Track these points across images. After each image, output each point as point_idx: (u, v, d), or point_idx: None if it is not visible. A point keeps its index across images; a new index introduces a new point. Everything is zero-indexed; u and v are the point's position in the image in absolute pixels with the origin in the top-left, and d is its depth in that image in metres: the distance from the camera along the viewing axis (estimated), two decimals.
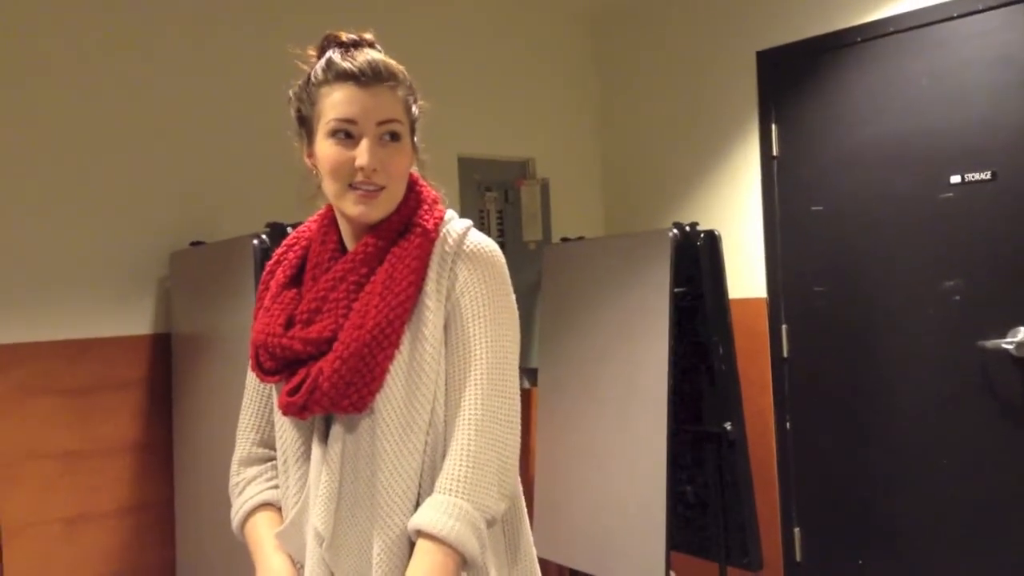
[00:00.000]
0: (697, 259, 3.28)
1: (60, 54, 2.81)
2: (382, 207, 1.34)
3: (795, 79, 3.56)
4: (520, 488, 1.41)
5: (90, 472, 2.82)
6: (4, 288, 2.70)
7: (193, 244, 2.98)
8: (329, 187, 1.35)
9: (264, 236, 2.63)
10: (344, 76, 1.31)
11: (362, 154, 1.30)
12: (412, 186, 1.42)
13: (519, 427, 1.34)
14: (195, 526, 2.85)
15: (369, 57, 1.32)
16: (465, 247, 1.36)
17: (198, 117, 3.08)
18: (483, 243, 1.38)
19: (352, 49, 1.34)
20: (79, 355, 2.81)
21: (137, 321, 2.94)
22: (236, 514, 1.47)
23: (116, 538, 2.86)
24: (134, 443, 2.91)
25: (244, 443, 1.50)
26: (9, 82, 2.72)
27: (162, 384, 2.97)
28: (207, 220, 3.06)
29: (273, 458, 1.48)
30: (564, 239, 3.89)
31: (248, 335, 2.59)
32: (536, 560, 1.47)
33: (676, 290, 3.18)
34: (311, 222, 1.48)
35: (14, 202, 2.72)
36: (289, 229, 2.65)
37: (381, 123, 1.32)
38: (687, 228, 3.26)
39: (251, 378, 1.49)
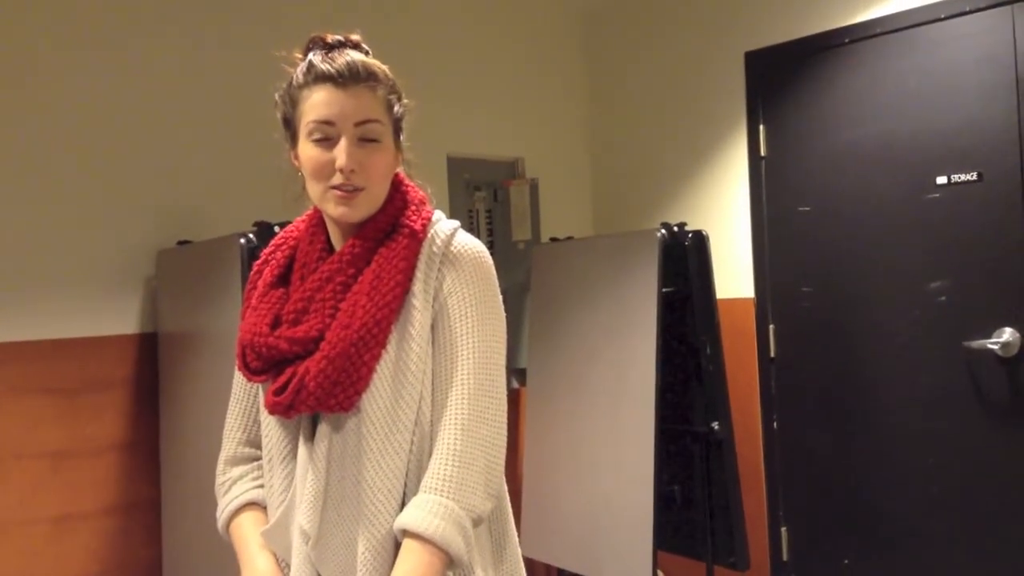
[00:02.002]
0: (685, 259, 3.29)
1: (48, 54, 2.80)
2: (363, 208, 1.35)
3: (783, 80, 3.57)
4: (505, 488, 1.41)
5: (77, 471, 2.81)
6: None
7: (180, 243, 2.97)
8: (312, 188, 1.35)
9: (251, 235, 2.63)
10: (323, 78, 1.32)
11: (340, 155, 1.30)
12: (398, 186, 1.42)
13: (505, 427, 1.35)
14: (181, 525, 2.84)
15: (348, 58, 1.33)
16: (453, 248, 1.37)
17: (185, 116, 3.07)
18: (471, 244, 1.38)
19: (334, 51, 1.35)
20: (65, 354, 2.80)
21: (124, 320, 2.93)
22: (221, 513, 1.47)
23: (103, 537, 2.85)
24: (120, 442, 2.90)
25: (230, 443, 1.50)
26: None
27: (149, 383, 2.96)
28: (194, 219, 3.05)
29: (259, 458, 1.48)
30: (553, 239, 3.90)
31: (235, 334, 2.60)
32: (521, 560, 1.47)
33: (664, 290, 3.19)
34: (299, 222, 1.49)
35: (1, 201, 2.70)
36: (276, 228, 2.64)
37: (359, 124, 1.32)
38: (675, 228, 3.26)
39: (238, 378, 1.49)
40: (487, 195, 4.04)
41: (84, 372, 2.83)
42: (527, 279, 3.84)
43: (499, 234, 4.06)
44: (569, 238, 3.86)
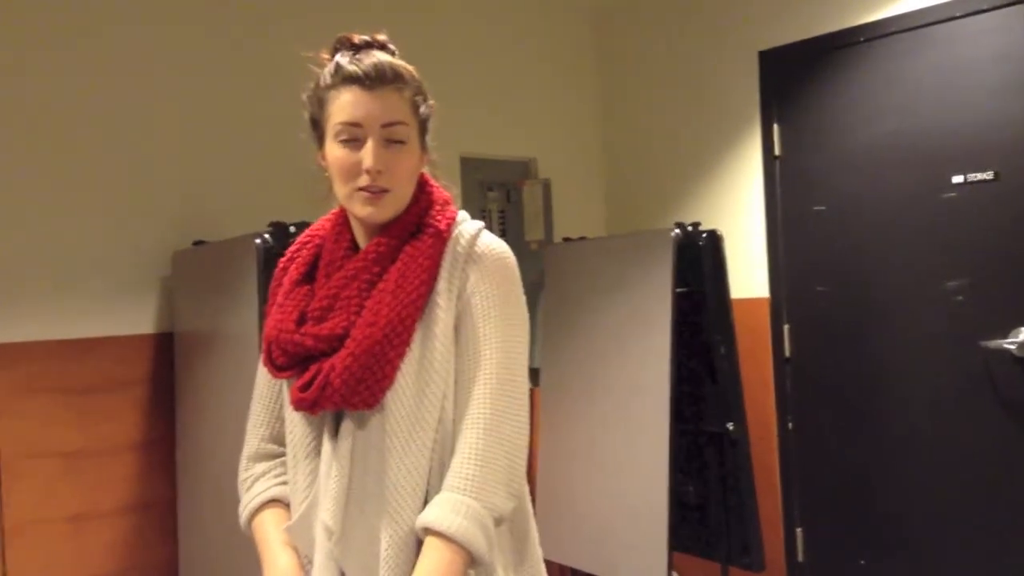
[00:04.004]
0: (699, 259, 3.28)
1: (64, 53, 2.81)
2: (389, 208, 1.36)
3: (797, 79, 3.56)
4: (527, 488, 1.42)
5: (93, 470, 2.82)
6: (8, 287, 2.70)
7: (196, 243, 2.98)
8: (338, 189, 1.37)
9: (267, 235, 2.63)
10: (350, 79, 1.33)
11: (367, 156, 1.31)
12: (423, 187, 1.43)
13: (527, 427, 1.35)
14: (197, 524, 2.85)
15: (375, 59, 1.34)
16: (477, 248, 1.37)
17: (201, 116, 3.08)
18: (495, 245, 1.40)
19: (361, 51, 1.35)
20: (82, 354, 2.81)
21: (140, 320, 2.94)
22: (244, 510, 1.48)
23: (119, 536, 2.86)
24: (137, 442, 2.91)
25: (253, 439, 1.51)
26: (12, 81, 2.72)
27: (165, 383, 2.97)
28: (210, 219, 3.06)
29: (282, 454, 1.48)
30: (566, 239, 3.89)
31: (250, 334, 2.60)
32: (542, 560, 1.48)
33: (678, 290, 3.18)
34: (324, 221, 1.50)
35: (17, 201, 2.72)
36: (292, 229, 2.65)
37: (386, 125, 1.33)
38: (689, 228, 3.26)
39: (262, 373, 1.50)
40: (500, 195, 4.04)
41: (100, 372, 2.84)
42: (540, 279, 3.84)
43: (512, 234, 4.06)
44: (582, 238, 3.86)
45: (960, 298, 3.12)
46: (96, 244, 2.86)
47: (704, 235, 3.27)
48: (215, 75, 3.11)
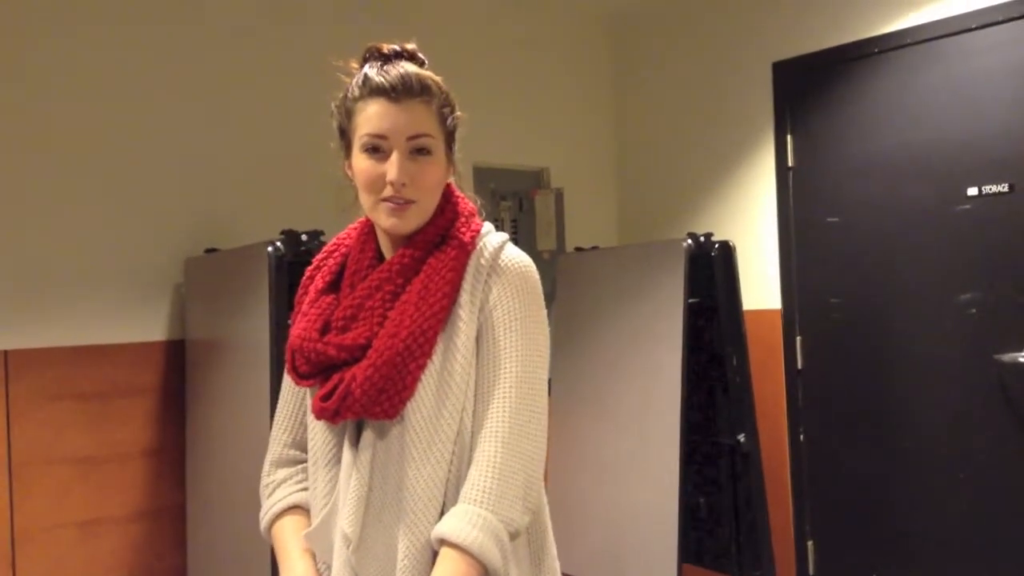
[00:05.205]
0: (711, 270, 3.27)
1: (78, 62, 2.82)
2: (413, 219, 1.36)
3: (811, 90, 3.56)
4: (545, 501, 1.41)
5: (104, 477, 2.82)
6: (21, 294, 2.70)
7: (208, 251, 2.99)
8: (364, 199, 1.37)
9: (278, 243, 2.64)
10: (377, 91, 1.33)
11: (391, 169, 1.32)
12: (449, 198, 1.43)
13: (545, 441, 1.35)
14: (207, 531, 2.85)
15: (402, 71, 1.34)
16: (501, 261, 1.38)
17: (213, 124, 3.08)
18: (519, 258, 1.40)
19: (389, 62, 1.35)
20: (94, 361, 2.81)
21: (152, 327, 2.95)
22: (265, 515, 1.48)
23: (129, 542, 2.86)
24: (148, 448, 2.91)
25: (276, 445, 1.52)
26: (26, 89, 2.73)
27: (176, 390, 2.97)
28: (222, 227, 3.07)
29: (304, 460, 1.49)
30: (578, 249, 3.89)
31: (261, 342, 2.61)
32: (559, 573, 1.47)
33: (690, 301, 3.17)
34: (351, 230, 1.50)
35: (30, 209, 2.73)
36: (303, 236, 2.66)
37: (411, 138, 1.33)
38: (701, 238, 3.25)
39: (286, 381, 1.50)
40: (513, 205, 4.04)
41: (112, 378, 2.85)
42: (552, 289, 3.83)
43: (524, 244, 4.05)
44: (594, 248, 3.85)
45: (974, 311, 3.10)
46: (109, 252, 2.87)
47: (716, 246, 3.27)
48: (228, 83, 3.12)
